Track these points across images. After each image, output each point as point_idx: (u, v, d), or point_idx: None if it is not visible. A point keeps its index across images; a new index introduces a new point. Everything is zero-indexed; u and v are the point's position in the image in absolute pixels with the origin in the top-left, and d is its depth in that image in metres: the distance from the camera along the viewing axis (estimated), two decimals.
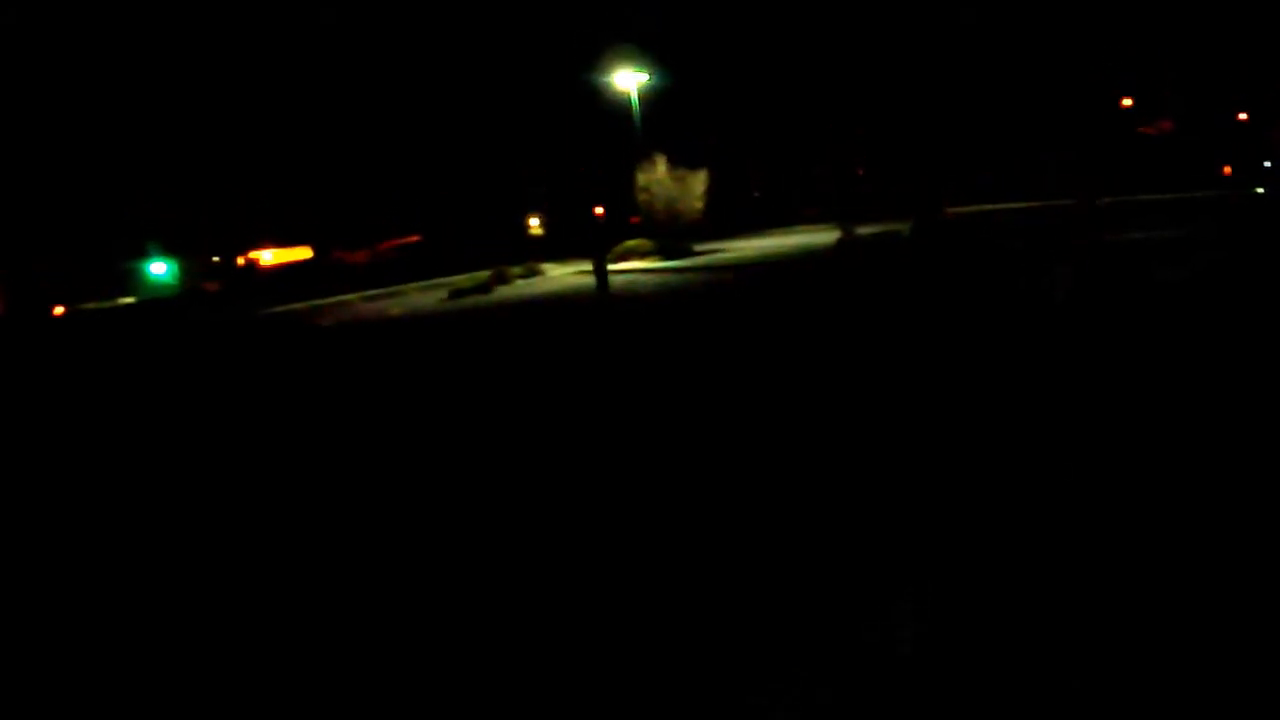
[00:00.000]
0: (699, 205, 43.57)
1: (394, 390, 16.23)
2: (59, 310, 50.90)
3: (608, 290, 28.63)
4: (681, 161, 43.99)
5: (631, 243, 40.63)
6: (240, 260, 61.38)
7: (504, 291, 34.49)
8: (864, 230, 32.88)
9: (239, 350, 27.94)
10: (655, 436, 10.44)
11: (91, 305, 51.46)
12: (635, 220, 44.95)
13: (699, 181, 43.64)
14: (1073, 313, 14.89)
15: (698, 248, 40.87)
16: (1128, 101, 60.69)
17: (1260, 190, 36.04)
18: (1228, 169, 48.11)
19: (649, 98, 48.95)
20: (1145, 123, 59.84)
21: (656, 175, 43.51)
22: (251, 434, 13.70)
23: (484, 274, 38.26)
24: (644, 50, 49.23)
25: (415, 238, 63.53)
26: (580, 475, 9.45)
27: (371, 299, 39.75)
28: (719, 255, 37.82)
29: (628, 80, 46.45)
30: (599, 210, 69.01)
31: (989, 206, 44.59)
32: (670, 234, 41.64)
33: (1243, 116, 56.13)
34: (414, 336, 24.92)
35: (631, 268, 36.32)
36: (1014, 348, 12.55)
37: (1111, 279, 17.48)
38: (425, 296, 36.69)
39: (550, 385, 14.45)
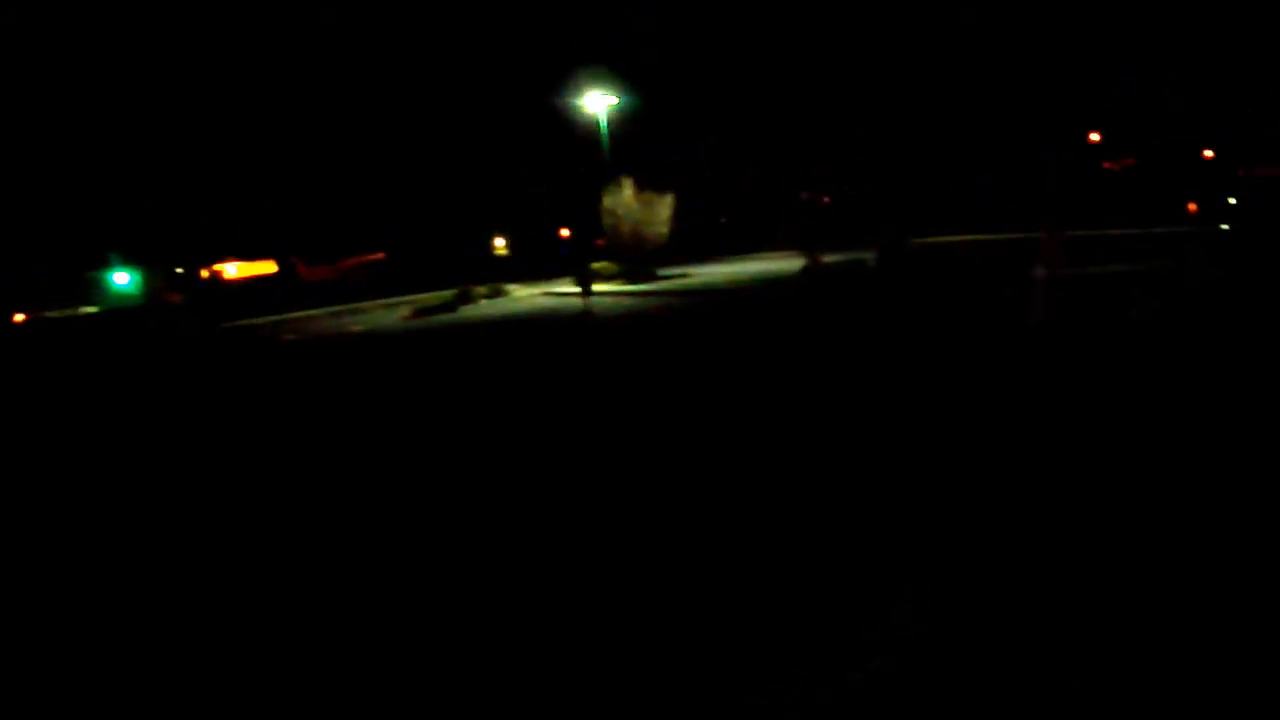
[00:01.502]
0: (664, 230, 43.59)
1: (351, 407, 16.19)
2: (19, 317, 50.42)
3: (590, 309, 28.87)
4: (649, 185, 44.01)
5: (596, 265, 40.69)
6: (204, 272, 61.02)
7: (469, 311, 34.50)
8: (829, 259, 33.08)
9: (199, 363, 27.79)
10: (616, 455, 10.48)
11: (54, 313, 50.99)
12: (600, 243, 45.01)
13: (665, 205, 43.67)
14: (1032, 342, 15.03)
15: (662, 272, 41.01)
16: (1095, 136, 61.19)
17: (1224, 227, 36.39)
18: (1193, 205, 48.56)
19: (619, 119, 49.06)
20: (1110, 157, 60.39)
21: (623, 198, 43.52)
22: (205, 447, 13.65)
23: (449, 293, 38.31)
24: (615, 71, 49.42)
25: (380, 255, 63.42)
26: (552, 485, 9.48)
27: (335, 315, 39.69)
28: (683, 280, 37.95)
29: (597, 102, 46.54)
30: (564, 232, 69.04)
31: (954, 238, 45.00)
32: (635, 258, 41.69)
33: (1208, 154, 56.71)
34: (376, 354, 24.87)
35: (595, 290, 36.38)
36: (974, 374, 12.68)
37: (1071, 311, 17.68)
38: (389, 314, 36.67)
39: (513, 404, 14.46)
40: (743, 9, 65.74)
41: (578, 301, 32.84)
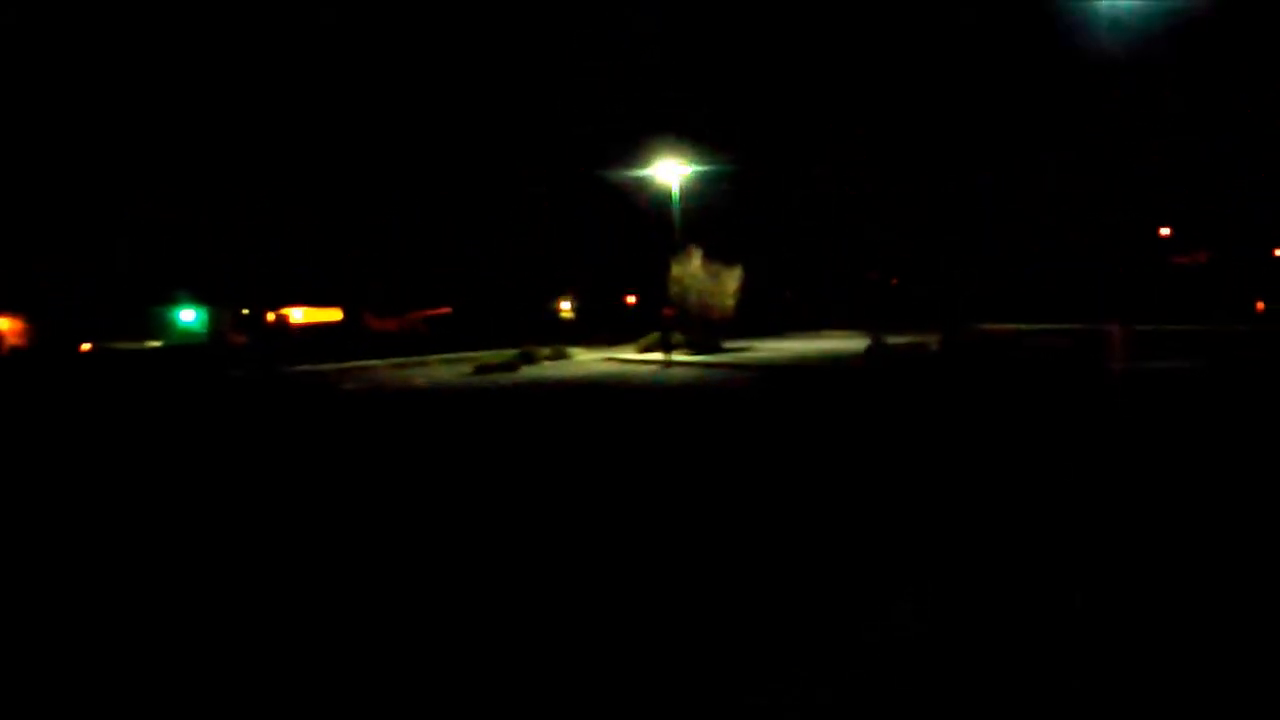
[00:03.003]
0: (731, 302, 43.64)
1: (399, 460, 15.93)
2: (86, 346, 51.28)
3: (665, 373, 28.99)
4: (717, 256, 44.11)
5: (660, 334, 40.68)
6: (270, 316, 61.89)
7: (530, 371, 34.48)
8: (893, 340, 32.81)
9: (251, 403, 27.78)
10: (652, 525, 10.16)
11: (119, 345, 51.80)
12: (668, 311, 45.13)
13: (733, 278, 43.74)
14: (1096, 436, 14.66)
15: (727, 344, 40.90)
16: (1165, 231, 60.71)
17: None
18: (1260, 304, 47.99)
19: (690, 189, 48.92)
20: (1181, 252, 59.89)
21: (691, 268, 43.65)
22: (245, 485, 13.46)
23: (511, 352, 38.43)
24: (691, 140, 49.47)
25: (445, 310, 64.06)
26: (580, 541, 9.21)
27: (396, 366, 39.86)
28: (748, 354, 37.64)
29: (670, 171, 46.41)
30: (630, 299, 69.36)
31: (1017, 325, 44.56)
32: (701, 328, 41.69)
33: (1279, 252, 56.12)
34: (431, 408, 24.70)
35: (660, 359, 36.29)
36: (1035, 470, 12.19)
37: (1136, 407, 17.36)
38: (450, 369, 36.77)
39: (564, 469, 14.15)
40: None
41: (640, 369, 32.72)
